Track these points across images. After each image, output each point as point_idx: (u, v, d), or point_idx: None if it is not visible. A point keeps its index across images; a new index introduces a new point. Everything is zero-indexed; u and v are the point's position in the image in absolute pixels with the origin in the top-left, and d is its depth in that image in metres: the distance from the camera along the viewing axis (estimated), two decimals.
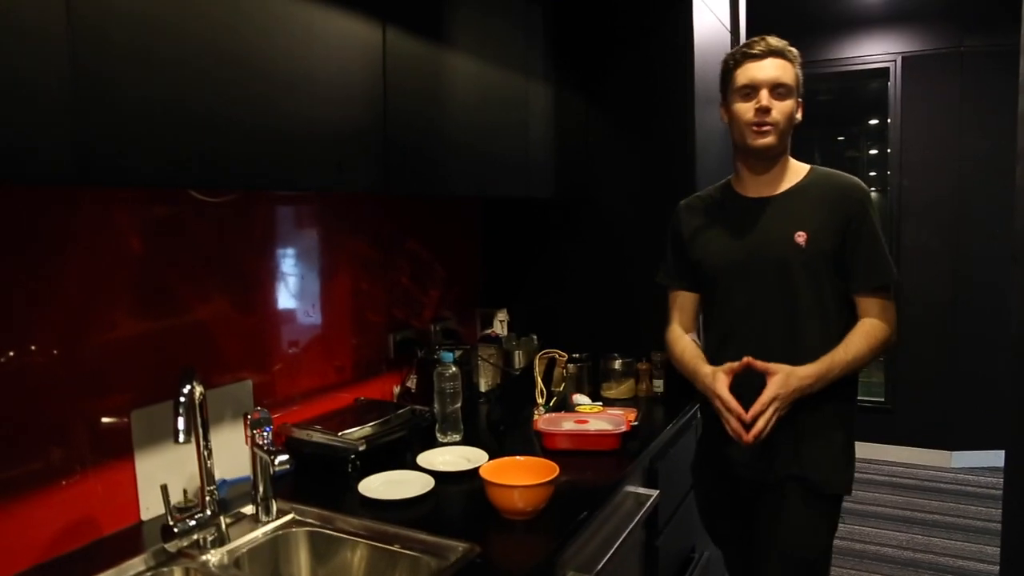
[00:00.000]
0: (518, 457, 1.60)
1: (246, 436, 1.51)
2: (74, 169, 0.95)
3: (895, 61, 4.50)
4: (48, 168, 0.93)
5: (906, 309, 1.63)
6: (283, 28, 1.28)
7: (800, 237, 1.66)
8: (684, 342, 1.87)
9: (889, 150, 4.61)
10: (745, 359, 1.62)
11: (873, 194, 4.73)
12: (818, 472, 1.68)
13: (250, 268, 1.76)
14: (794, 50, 1.69)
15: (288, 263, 1.88)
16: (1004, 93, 4.21)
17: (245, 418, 1.51)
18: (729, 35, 2.91)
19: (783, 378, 1.58)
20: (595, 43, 2.47)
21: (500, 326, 2.57)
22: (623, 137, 2.47)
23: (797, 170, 1.75)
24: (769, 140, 1.65)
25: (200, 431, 1.36)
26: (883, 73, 4.59)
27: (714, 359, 1.74)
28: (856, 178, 1.72)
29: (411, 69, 1.63)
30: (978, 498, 4.05)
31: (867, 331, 1.64)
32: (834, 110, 5.25)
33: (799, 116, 1.71)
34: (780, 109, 1.64)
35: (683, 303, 1.92)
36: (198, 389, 1.33)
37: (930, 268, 4.46)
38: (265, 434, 1.50)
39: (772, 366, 1.60)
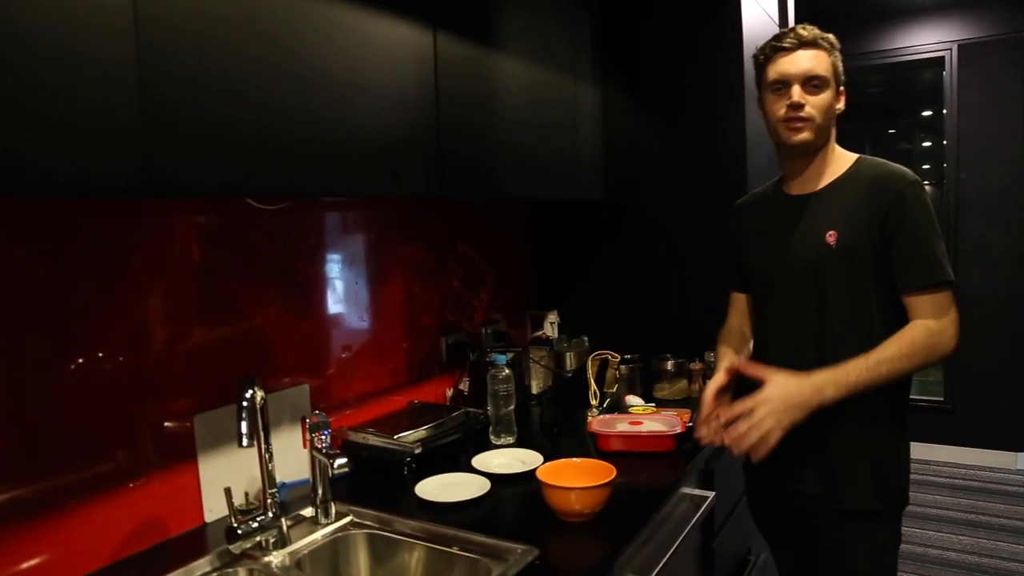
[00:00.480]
0: (574, 459, 1.60)
1: (304, 439, 1.53)
2: (142, 182, 0.97)
3: (951, 49, 4.38)
4: (118, 181, 0.96)
5: (965, 305, 1.57)
6: (336, 39, 1.30)
7: (831, 236, 1.55)
8: (726, 340, 1.81)
9: (945, 142, 4.48)
10: (736, 362, 1.55)
11: (927, 186, 4.61)
12: (869, 492, 1.55)
13: (304, 274, 1.79)
14: (829, 37, 1.59)
15: (341, 268, 1.91)
16: None
17: (303, 421, 1.54)
18: (777, 28, 2.86)
19: (778, 382, 1.46)
20: (642, 43, 2.46)
21: (551, 328, 2.56)
22: (671, 137, 2.45)
23: (841, 162, 1.63)
24: (803, 136, 1.56)
25: (261, 435, 1.39)
26: (938, 62, 4.47)
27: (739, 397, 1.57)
28: (902, 167, 1.56)
29: (462, 74, 1.64)
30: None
31: (905, 334, 1.47)
32: (885, 102, 5.13)
33: (840, 106, 1.61)
34: (815, 103, 1.55)
35: (738, 303, 1.88)
36: (259, 394, 1.36)
37: (990, 262, 4.32)
38: (324, 437, 1.53)
39: (767, 373, 1.49)
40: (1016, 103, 4.26)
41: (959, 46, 4.36)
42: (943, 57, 4.41)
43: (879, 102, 5.10)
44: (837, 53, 1.60)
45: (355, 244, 1.96)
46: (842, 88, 1.61)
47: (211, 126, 1.07)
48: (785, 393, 1.44)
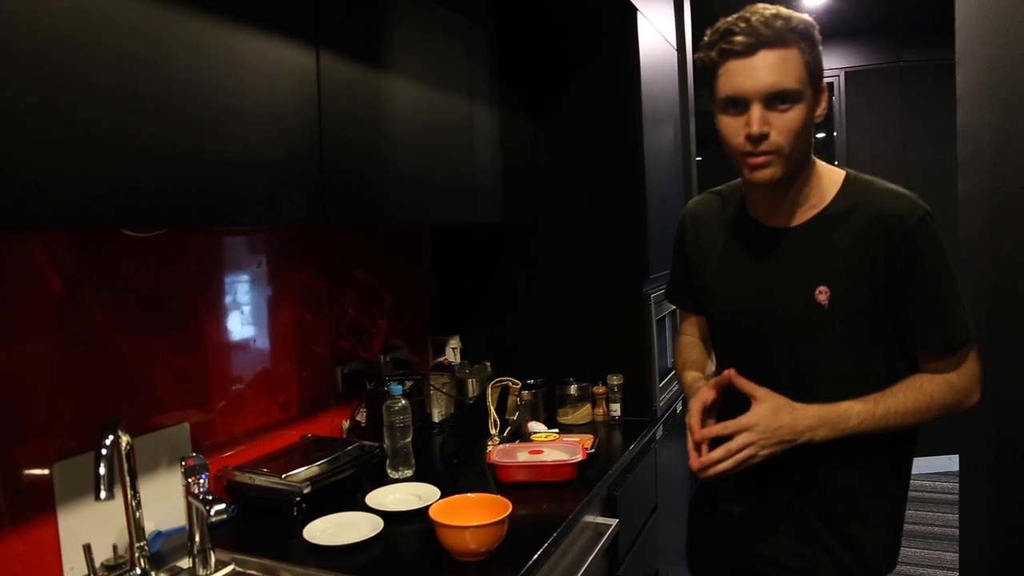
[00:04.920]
0: (469, 494, 1.54)
1: (182, 483, 1.42)
2: None
3: (838, 76, 4.59)
4: None
5: None
6: (206, 56, 1.21)
7: (822, 294, 1.26)
8: (690, 355, 1.55)
9: (836, 162, 4.68)
10: (727, 372, 1.28)
11: None
12: (859, 557, 1.32)
13: (184, 305, 1.68)
14: (800, 23, 1.18)
15: (227, 297, 1.80)
16: (943, 105, 4.32)
17: (181, 465, 1.43)
18: (676, 53, 2.91)
19: (769, 408, 1.23)
20: (540, 64, 2.45)
21: (453, 354, 2.51)
22: (571, 159, 2.44)
23: (826, 186, 1.29)
24: (768, 174, 1.21)
25: (127, 483, 1.28)
26: (827, 87, 4.67)
27: (720, 415, 1.31)
28: (907, 196, 1.25)
29: (348, 94, 1.57)
30: (935, 504, 4.09)
31: (924, 387, 1.24)
32: None
33: (821, 112, 1.24)
34: (783, 127, 1.18)
35: (692, 320, 1.62)
36: (124, 439, 1.25)
37: None
38: (201, 482, 1.42)
39: (759, 391, 1.25)
40: (897, 127, 4.50)
41: (845, 73, 4.58)
42: (832, 83, 4.61)
43: None
44: (813, 43, 1.20)
45: (241, 271, 1.85)
46: (823, 86, 1.25)
47: (57, 139, 0.96)
48: (775, 424, 1.21)
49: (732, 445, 1.21)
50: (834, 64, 4.61)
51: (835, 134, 4.69)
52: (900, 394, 1.24)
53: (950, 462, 4.46)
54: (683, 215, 1.57)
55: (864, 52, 4.55)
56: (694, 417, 1.28)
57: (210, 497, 1.39)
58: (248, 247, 1.87)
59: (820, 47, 1.22)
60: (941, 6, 4.14)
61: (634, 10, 2.32)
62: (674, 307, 2.67)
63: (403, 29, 1.79)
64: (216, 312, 1.77)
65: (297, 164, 1.41)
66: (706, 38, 1.24)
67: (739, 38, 1.17)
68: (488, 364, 2.48)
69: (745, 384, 1.27)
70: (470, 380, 2.39)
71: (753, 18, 1.17)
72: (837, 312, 1.26)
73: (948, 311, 1.24)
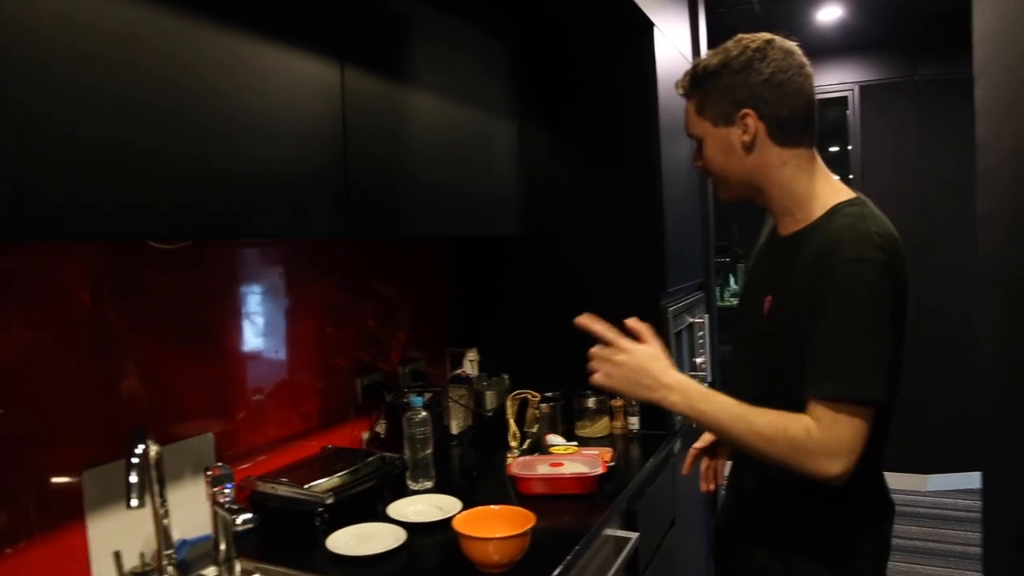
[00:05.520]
0: (492, 506, 1.55)
1: (208, 492, 1.44)
2: (8, 225, 0.89)
3: (853, 90, 4.59)
4: None
5: None
6: (236, 69, 1.24)
7: (767, 303, 1.33)
8: None
9: (851, 175, 4.68)
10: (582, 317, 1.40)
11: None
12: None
13: (208, 316, 1.70)
14: (694, 70, 1.35)
15: (249, 309, 1.82)
16: (959, 119, 4.29)
17: (206, 474, 1.44)
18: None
19: (650, 350, 1.32)
20: (557, 78, 2.47)
21: (470, 366, 2.51)
22: (588, 172, 2.46)
23: (815, 206, 1.32)
24: (722, 196, 1.44)
25: (156, 492, 1.30)
26: (841, 102, 4.68)
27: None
28: (855, 235, 1.20)
29: (371, 109, 1.59)
30: (956, 522, 4.05)
31: (786, 417, 1.19)
32: None
33: (747, 137, 1.31)
34: (707, 161, 1.39)
35: None
36: (152, 448, 1.26)
37: None
38: (227, 491, 1.43)
39: (651, 339, 1.35)
40: (913, 141, 4.49)
41: (860, 87, 4.58)
42: (847, 97, 4.62)
43: None
44: (704, 90, 1.34)
45: (264, 282, 1.87)
46: (744, 111, 1.30)
47: (84, 152, 0.98)
48: (644, 361, 1.30)
49: (610, 355, 1.34)
50: (848, 78, 4.62)
51: (849, 148, 4.69)
52: (762, 412, 1.21)
53: (969, 479, 4.43)
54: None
55: (879, 66, 4.56)
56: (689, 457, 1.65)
57: (236, 506, 1.40)
58: (270, 259, 1.89)
59: (724, 79, 1.31)
60: (957, 21, 4.16)
61: (650, 24, 2.34)
62: (692, 320, 2.68)
63: (424, 44, 1.82)
64: (238, 323, 1.79)
65: (322, 178, 1.43)
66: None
67: (679, 89, 1.41)
68: (506, 376, 2.49)
69: (636, 325, 1.38)
70: (488, 392, 2.40)
71: (682, 79, 1.40)
72: (772, 323, 1.31)
73: (834, 361, 1.18)
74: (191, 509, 1.56)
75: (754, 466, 1.36)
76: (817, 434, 1.16)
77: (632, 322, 1.39)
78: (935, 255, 4.41)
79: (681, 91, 1.40)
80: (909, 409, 4.57)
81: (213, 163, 1.18)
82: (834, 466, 1.15)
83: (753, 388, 1.33)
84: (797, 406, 1.20)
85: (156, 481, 1.29)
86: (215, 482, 1.42)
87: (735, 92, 1.30)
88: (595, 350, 1.37)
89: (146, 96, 1.07)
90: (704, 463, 1.69)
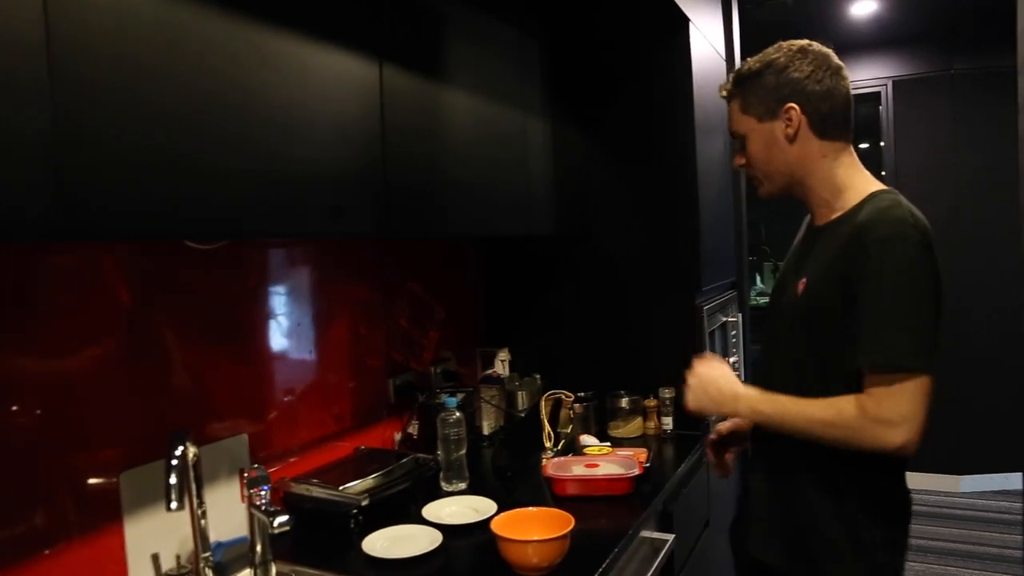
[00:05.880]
0: (530, 508, 1.52)
1: (242, 494, 1.43)
2: (56, 224, 0.88)
3: (886, 85, 4.51)
4: (29, 225, 0.86)
5: None
6: (276, 68, 1.22)
7: (801, 285, 1.39)
8: None
9: (884, 172, 4.60)
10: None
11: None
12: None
13: (244, 316, 1.69)
14: (747, 71, 1.43)
15: (283, 308, 1.81)
16: (995, 114, 4.24)
17: (241, 475, 1.44)
18: (724, 63, 2.89)
19: (717, 369, 1.48)
20: (591, 76, 2.44)
21: (502, 366, 2.50)
22: (623, 171, 2.43)
23: (850, 196, 1.38)
24: (763, 191, 1.49)
25: (194, 493, 1.29)
26: (874, 97, 4.60)
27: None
28: (892, 216, 1.27)
29: (409, 107, 1.58)
30: (990, 523, 3.97)
31: (838, 401, 1.27)
32: None
33: (790, 131, 1.39)
34: (750, 159, 1.46)
35: None
36: (191, 450, 1.26)
37: None
38: (263, 493, 1.42)
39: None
40: (947, 136, 4.41)
41: (893, 82, 4.50)
42: (879, 92, 4.54)
43: None
44: (747, 87, 1.44)
45: (298, 283, 1.87)
46: (787, 106, 1.39)
47: (131, 157, 0.97)
48: (711, 379, 1.46)
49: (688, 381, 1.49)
50: (881, 73, 4.54)
51: (882, 144, 4.60)
52: (818, 401, 1.29)
53: (1005, 480, 4.34)
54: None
55: (912, 61, 4.47)
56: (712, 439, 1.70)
57: (272, 508, 1.39)
58: (304, 259, 1.88)
59: (768, 77, 1.41)
60: (993, 14, 4.08)
61: (686, 20, 2.31)
62: (725, 319, 2.64)
63: (460, 42, 1.80)
64: (272, 323, 1.78)
65: (361, 176, 1.42)
66: None
67: (722, 92, 1.52)
68: (537, 376, 2.46)
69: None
70: (520, 393, 2.38)
71: (725, 83, 1.50)
72: (805, 305, 1.37)
73: (883, 333, 1.23)
74: (227, 511, 1.56)
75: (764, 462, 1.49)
76: (872, 407, 1.22)
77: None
78: (971, 252, 4.33)
79: (724, 93, 1.50)
80: (942, 408, 4.47)
81: (252, 164, 1.17)
82: (895, 436, 1.21)
83: (790, 377, 1.39)
84: (835, 389, 1.29)
85: (194, 481, 1.28)
86: (251, 484, 1.41)
87: (779, 88, 1.40)
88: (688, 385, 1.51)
89: (185, 98, 1.05)
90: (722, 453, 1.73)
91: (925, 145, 4.47)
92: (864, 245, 1.25)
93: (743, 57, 3.10)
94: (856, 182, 1.40)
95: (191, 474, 1.27)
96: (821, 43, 1.45)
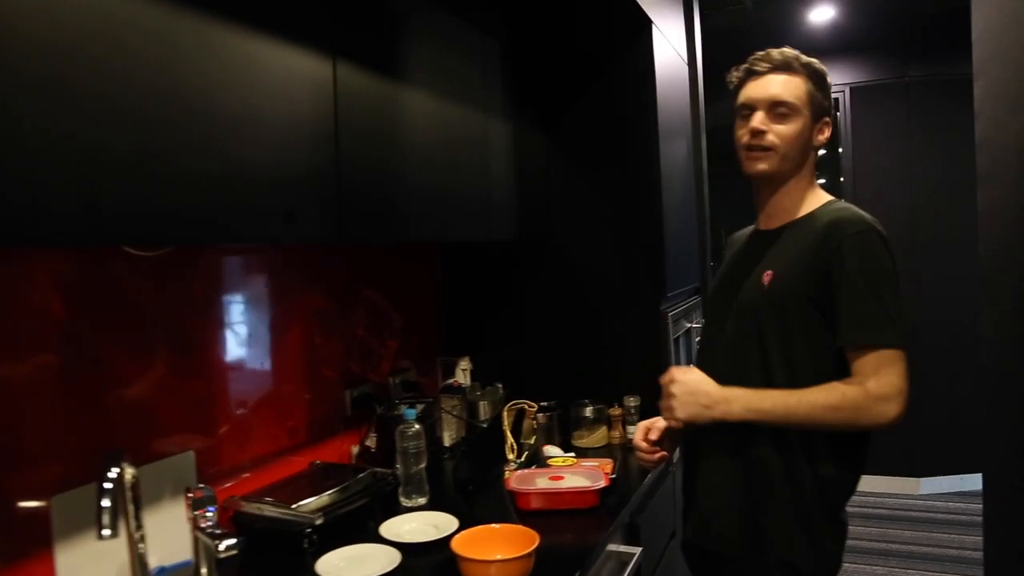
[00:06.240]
0: (493, 525, 1.46)
1: (188, 517, 1.34)
2: None
3: (843, 92, 4.55)
4: None
5: None
6: (222, 62, 1.15)
7: (766, 277, 1.45)
8: None
9: (842, 178, 4.64)
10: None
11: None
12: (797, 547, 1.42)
13: (192, 327, 1.60)
14: (811, 63, 1.48)
15: (234, 318, 1.73)
16: (950, 121, 4.31)
17: (187, 496, 1.35)
18: (687, 68, 2.87)
19: (696, 375, 1.47)
20: (554, 78, 2.40)
21: (463, 375, 2.43)
22: (586, 175, 2.39)
23: (810, 202, 1.51)
24: (763, 167, 1.47)
25: (132, 516, 1.20)
26: (830, 122, 4.63)
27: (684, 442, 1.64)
28: (860, 215, 1.41)
29: (364, 107, 1.51)
30: (950, 525, 4.01)
31: (838, 386, 1.35)
32: None
33: (823, 138, 1.50)
34: (780, 132, 1.45)
35: None
36: (129, 471, 1.17)
37: None
38: (209, 515, 1.34)
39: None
40: (902, 142, 4.46)
41: (851, 88, 4.55)
42: (837, 99, 4.58)
43: None
44: (818, 80, 1.49)
45: (250, 291, 1.78)
46: (827, 119, 1.50)
47: (58, 153, 0.89)
48: (697, 386, 1.45)
49: (667, 392, 1.48)
50: (839, 80, 4.57)
51: (840, 150, 4.64)
52: (816, 389, 1.35)
53: (962, 482, 4.39)
54: (724, 245, 1.80)
55: (869, 68, 4.52)
56: (637, 433, 1.66)
57: (219, 531, 1.31)
58: (255, 266, 1.80)
59: (830, 91, 1.51)
60: (947, 21, 4.15)
61: (649, 23, 2.28)
62: (689, 325, 2.61)
63: (419, 42, 1.73)
64: (222, 334, 1.69)
65: (313, 179, 1.35)
66: (737, 67, 1.54)
67: (761, 64, 1.48)
68: (500, 386, 2.40)
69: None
70: (481, 403, 2.32)
71: (774, 53, 1.48)
72: (775, 293, 1.43)
73: (868, 314, 1.34)
74: (171, 533, 1.46)
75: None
76: (872, 385, 1.32)
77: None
78: (928, 255, 4.38)
79: (781, 59, 1.47)
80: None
81: (196, 164, 1.09)
82: (893, 409, 1.32)
83: (751, 362, 1.45)
84: (801, 368, 1.39)
85: (132, 504, 1.20)
86: (196, 505, 1.32)
87: (828, 100, 1.51)
88: (663, 394, 1.50)
89: (122, 92, 0.97)
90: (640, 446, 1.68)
91: (882, 150, 4.52)
92: (838, 239, 1.37)
93: (705, 61, 3.09)
94: (818, 193, 1.54)
95: (128, 496, 1.18)
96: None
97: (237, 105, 1.17)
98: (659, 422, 1.62)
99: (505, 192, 2.15)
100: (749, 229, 1.68)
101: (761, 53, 1.50)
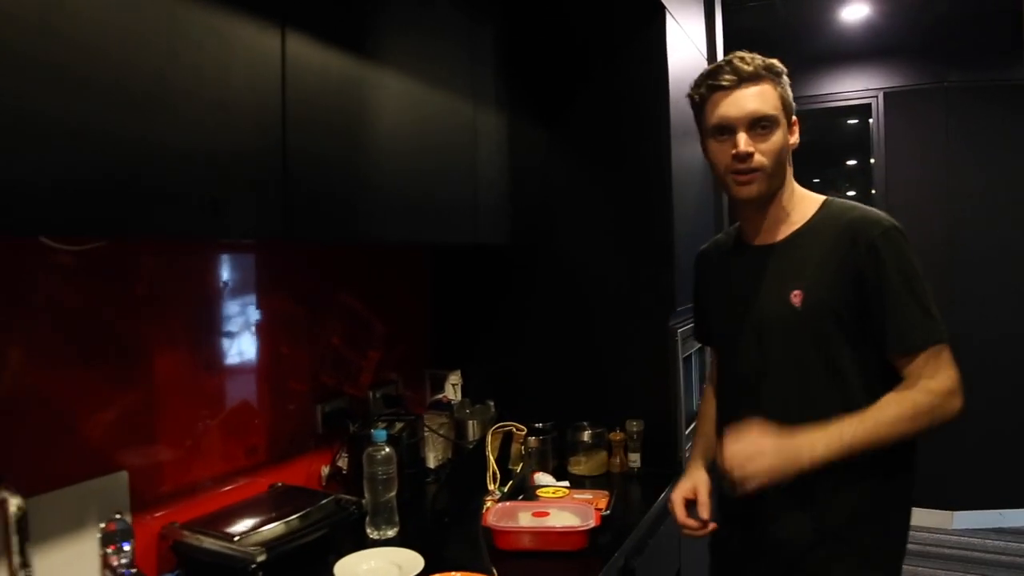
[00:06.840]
0: (453, 574, 1.26)
1: (99, 554, 1.16)
2: None
3: (876, 97, 4.30)
4: None
5: None
6: (135, 23, 0.97)
7: (796, 297, 1.36)
8: (705, 409, 1.67)
9: (873, 191, 4.39)
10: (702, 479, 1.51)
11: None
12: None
13: (129, 331, 1.43)
14: (773, 64, 1.39)
15: (185, 324, 1.55)
16: (992, 128, 4.05)
17: (100, 529, 1.17)
18: (706, 63, 2.66)
19: (765, 434, 1.29)
20: (554, 65, 2.20)
21: (453, 390, 2.24)
22: (590, 175, 2.18)
23: (805, 207, 1.44)
24: (753, 190, 1.37)
25: (15, 553, 1.02)
26: (864, 109, 4.39)
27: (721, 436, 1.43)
28: (877, 212, 1.37)
29: (320, 87, 1.32)
30: (987, 566, 3.72)
31: (907, 396, 1.30)
32: (810, 150, 5.04)
33: (794, 140, 1.42)
34: (765, 149, 1.36)
35: (716, 359, 1.67)
36: (13, 502, 0.99)
37: None
38: (124, 550, 1.16)
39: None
40: (940, 152, 4.20)
41: (884, 93, 4.30)
42: (870, 104, 4.33)
43: (804, 150, 5.01)
44: (785, 80, 1.40)
45: (201, 293, 1.61)
46: (794, 119, 1.42)
47: None
48: (773, 443, 1.29)
49: (731, 463, 1.29)
50: (872, 84, 4.33)
51: (872, 161, 4.39)
52: (883, 405, 1.29)
53: (1000, 517, 4.10)
54: (696, 257, 1.68)
55: (905, 72, 4.26)
56: (677, 508, 1.51)
57: (134, 571, 1.12)
58: (210, 266, 1.62)
59: (789, 86, 1.41)
60: (991, 23, 3.90)
61: (662, 8, 2.07)
62: (700, 345, 2.39)
63: (392, 15, 1.55)
64: (169, 340, 1.52)
65: (250, 163, 1.16)
66: (695, 80, 1.43)
67: (725, 76, 1.36)
68: (492, 404, 2.20)
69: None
70: (471, 422, 2.12)
71: (735, 61, 1.37)
72: (809, 312, 1.35)
73: (917, 314, 1.30)
74: (79, 571, 1.27)
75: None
76: (935, 385, 1.29)
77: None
78: (967, 274, 4.12)
79: (751, 69, 1.36)
80: (934, 438, 4.25)
81: (95, 143, 0.91)
82: (958, 401, 1.30)
83: (789, 383, 1.38)
84: (850, 381, 1.33)
85: (16, 536, 1.01)
86: (107, 540, 1.15)
87: (791, 98, 1.41)
88: (728, 466, 1.31)
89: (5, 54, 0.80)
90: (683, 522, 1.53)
91: (917, 159, 4.26)
92: (866, 242, 1.32)
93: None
94: (805, 194, 1.46)
95: (12, 530, 1.00)
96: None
97: (149, 73, 0.99)
98: (701, 491, 1.51)
99: (496, 190, 1.95)
100: (724, 243, 1.60)
101: (722, 63, 1.39)
